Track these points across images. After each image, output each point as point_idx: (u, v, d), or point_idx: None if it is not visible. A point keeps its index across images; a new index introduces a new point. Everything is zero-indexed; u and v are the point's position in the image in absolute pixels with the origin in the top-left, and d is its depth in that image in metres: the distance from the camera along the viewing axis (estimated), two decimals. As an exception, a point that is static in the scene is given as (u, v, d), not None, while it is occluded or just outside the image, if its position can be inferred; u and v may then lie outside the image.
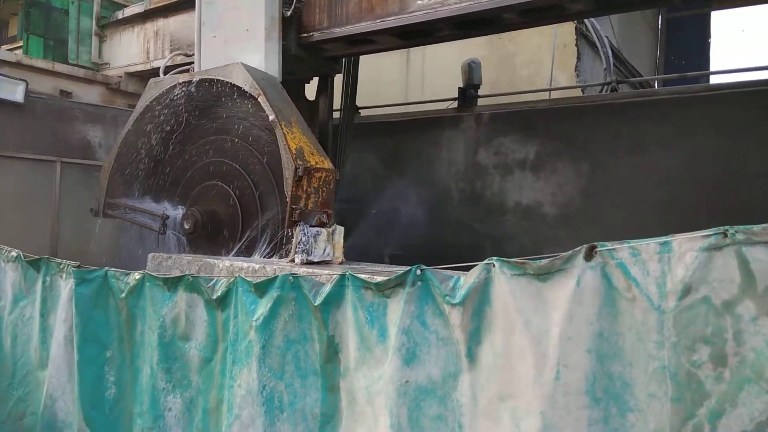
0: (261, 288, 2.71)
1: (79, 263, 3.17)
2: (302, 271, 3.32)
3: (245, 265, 3.74)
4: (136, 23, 6.48)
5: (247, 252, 4.35)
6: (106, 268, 3.13)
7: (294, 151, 3.86)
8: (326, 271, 3.28)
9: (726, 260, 1.63)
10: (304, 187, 3.87)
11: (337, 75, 5.67)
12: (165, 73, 5.14)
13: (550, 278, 1.96)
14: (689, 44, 11.60)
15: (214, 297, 2.83)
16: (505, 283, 2.05)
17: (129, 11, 6.49)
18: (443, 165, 6.18)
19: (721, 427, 1.65)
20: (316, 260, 3.76)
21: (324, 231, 3.82)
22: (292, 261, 3.72)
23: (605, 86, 6.72)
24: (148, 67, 6.41)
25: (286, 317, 2.68)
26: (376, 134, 6.49)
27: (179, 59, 5.51)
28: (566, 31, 7.17)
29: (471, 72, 6.36)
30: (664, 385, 1.75)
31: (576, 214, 5.38)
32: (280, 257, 3.99)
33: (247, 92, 4.21)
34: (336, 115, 5.82)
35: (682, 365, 1.72)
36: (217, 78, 4.37)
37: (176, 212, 4.79)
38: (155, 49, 6.33)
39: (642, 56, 10.74)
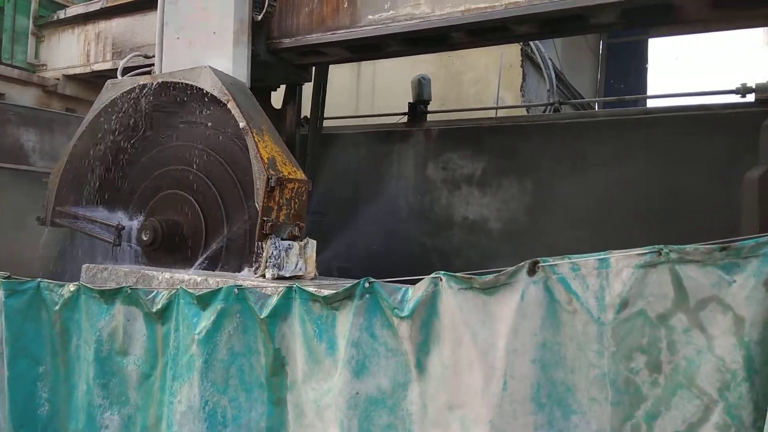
0: (204, 300, 2.65)
1: (9, 274, 3.00)
2: (247, 283, 3.26)
3: (186, 277, 3.62)
4: (77, 24, 6.24)
5: (211, 266, 4.13)
6: (39, 279, 2.98)
7: (266, 161, 3.70)
8: (272, 284, 3.24)
9: (660, 276, 1.74)
10: (276, 199, 3.71)
11: (304, 84, 5.52)
12: (121, 75, 4.86)
13: (496, 292, 2.02)
14: (628, 69, 12.23)
15: (154, 310, 2.74)
16: (452, 296, 2.08)
17: (70, 11, 6.25)
18: (392, 178, 6.23)
19: (657, 427, 1.76)
20: (287, 275, 3.61)
21: (296, 245, 3.68)
22: (263, 276, 3.57)
23: (548, 106, 6.97)
24: (88, 69, 6.17)
25: (231, 330, 2.63)
26: (325, 146, 6.48)
27: (137, 60, 5.21)
28: (512, 52, 7.41)
29: (421, 88, 6.45)
30: (604, 390, 1.85)
31: (520, 229, 5.53)
32: (247, 271, 3.83)
33: (214, 97, 4.04)
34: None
35: (620, 372, 1.82)
36: (183, 81, 4.17)
37: (132, 222, 4.52)
38: (96, 51, 6.11)
39: (583, 79, 11.22)
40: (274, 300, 2.52)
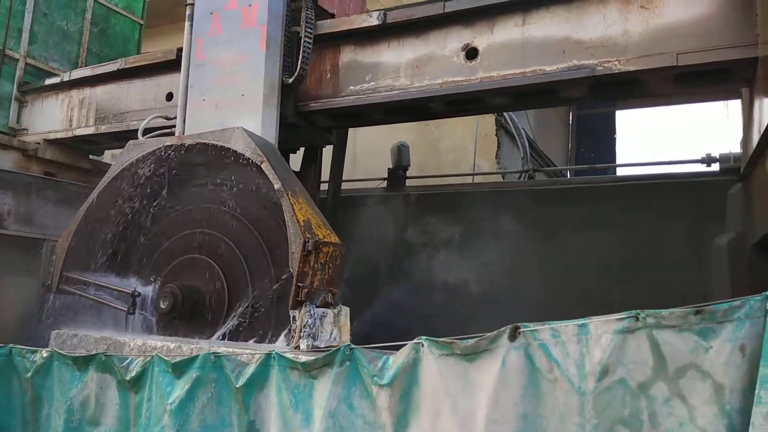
0: (179, 368, 2.58)
1: (-23, 341, 2.90)
2: (222, 350, 3.18)
3: (159, 344, 3.52)
4: (62, 90, 6.32)
5: (233, 336, 3.89)
6: (11, 345, 2.87)
7: (302, 224, 3.53)
8: (248, 350, 3.17)
9: (639, 343, 1.73)
10: (311, 263, 3.48)
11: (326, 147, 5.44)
12: (142, 135, 4.73)
13: (477, 358, 2.00)
14: (597, 138, 12.76)
15: (128, 377, 2.66)
16: (433, 362, 2.06)
17: (54, 80, 6.34)
18: (372, 242, 6.25)
19: None
20: (322, 346, 3.35)
21: (330, 312, 3.49)
22: (297, 347, 3.30)
23: (523, 173, 7.17)
24: (70, 134, 6.19)
25: (205, 400, 2.55)
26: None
27: (156, 122, 5.01)
28: (487, 122, 7.68)
29: (400, 154, 6.61)
30: (586, 469, 1.78)
31: (498, 293, 5.54)
32: (270, 341, 3.61)
33: (239, 159, 3.92)
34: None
35: (603, 448, 1.76)
36: (213, 142, 4.06)
37: (147, 289, 4.29)
38: (79, 116, 6.16)
39: (555, 148, 11.63)
40: (251, 368, 2.47)
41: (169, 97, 5.39)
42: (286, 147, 4.76)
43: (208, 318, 4.09)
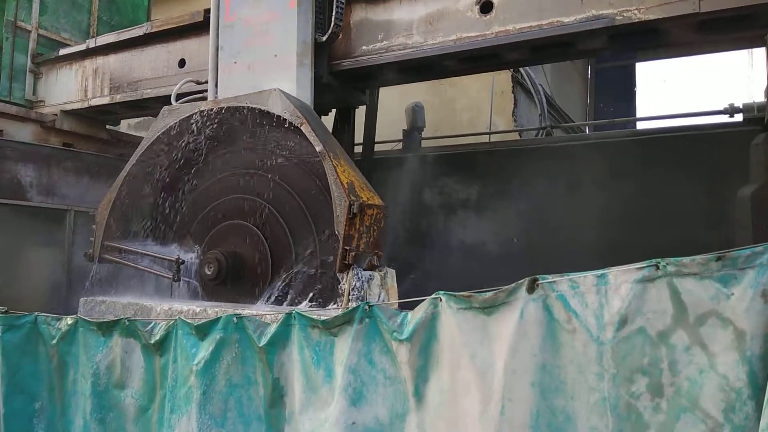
0: (202, 330, 2.63)
1: (6, 308, 2.98)
2: (246, 312, 3.24)
3: (185, 307, 3.61)
4: (75, 60, 6.32)
5: (279, 301, 3.92)
6: (36, 313, 2.96)
7: (346, 186, 3.48)
8: (271, 312, 3.22)
9: (659, 291, 1.71)
10: (357, 226, 3.44)
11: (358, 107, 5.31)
12: (175, 100, 4.68)
13: (495, 311, 2.00)
14: (616, 92, 12.43)
15: (152, 341, 2.72)
16: (451, 316, 2.07)
17: (69, 50, 6.33)
18: (389, 205, 6.24)
19: (660, 458, 1.68)
20: None
21: (376, 275, 3.48)
22: None
23: (541, 130, 7.05)
24: (86, 105, 6.22)
25: (229, 360, 2.61)
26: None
27: (188, 87, 4.95)
28: (503, 78, 7.52)
29: (415, 115, 6.53)
30: (605, 418, 1.79)
31: (517, 252, 5.53)
32: (318, 305, 3.63)
33: (277, 121, 3.86)
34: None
35: (621, 396, 1.77)
36: (249, 105, 4.00)
37: (189, 255, 4.32)
38: (94, 86, 6.18)
39: (573, 103, 11.37)
40: (273, 328, 2.51)
41: (182, 63, 5.36)
42: (318, 108, 4.64)
43: (253, 283, 4.09)
